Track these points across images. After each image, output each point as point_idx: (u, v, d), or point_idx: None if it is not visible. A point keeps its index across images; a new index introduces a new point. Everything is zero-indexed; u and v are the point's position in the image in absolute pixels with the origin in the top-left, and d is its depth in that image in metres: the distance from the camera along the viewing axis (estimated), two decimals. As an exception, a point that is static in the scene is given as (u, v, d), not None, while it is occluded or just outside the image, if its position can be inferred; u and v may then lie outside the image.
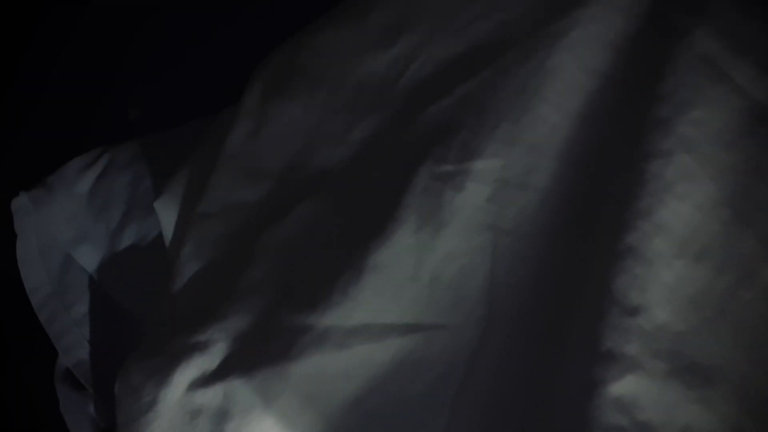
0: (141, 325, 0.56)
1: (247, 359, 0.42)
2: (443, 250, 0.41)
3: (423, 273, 0.41)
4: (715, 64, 0.39)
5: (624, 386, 0.35)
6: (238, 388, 0.41)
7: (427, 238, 0.41)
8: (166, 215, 0.53)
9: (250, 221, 0.48)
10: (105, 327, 0.57)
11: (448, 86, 0.45)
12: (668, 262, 0.37)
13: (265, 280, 0.45)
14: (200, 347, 0.43)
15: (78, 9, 0.75)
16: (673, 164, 0.38)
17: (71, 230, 0.58)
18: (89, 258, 0.57)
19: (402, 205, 0.42)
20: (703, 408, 0.35)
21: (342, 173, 0.46)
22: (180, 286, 0.48)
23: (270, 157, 0.49)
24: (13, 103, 0.74)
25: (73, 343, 0.56)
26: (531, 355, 0.39)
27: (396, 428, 0.40)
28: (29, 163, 0.66)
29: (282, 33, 0.53)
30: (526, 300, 0.40)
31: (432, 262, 0.41)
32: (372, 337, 0.41)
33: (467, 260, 0.41)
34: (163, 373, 0.42)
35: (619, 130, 0.40)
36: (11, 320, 0.66)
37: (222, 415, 0.41)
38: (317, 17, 0.52)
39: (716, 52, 0.39)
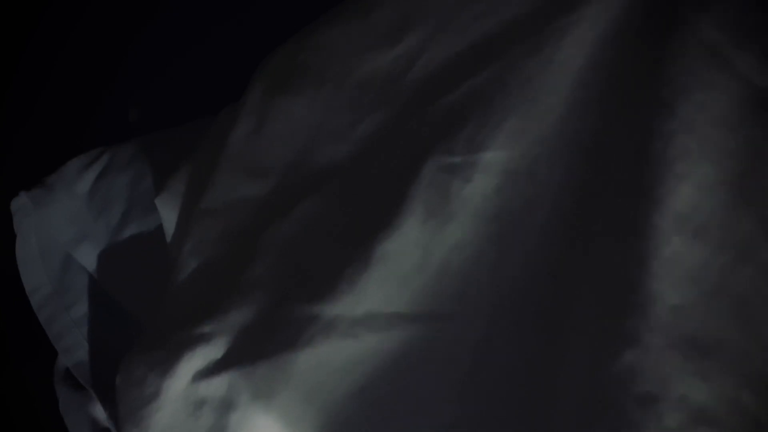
0: (141, 325, 0.55)
1: (252, 350, 0.42)
2: (450, 240, 0.41)
3: (430, 263, 0.41)
4: (717, 52, 0.40)
5: (622, 361, 0.35)
6: (242, 378, 0.41)
7: (434, 229, 0.41)
8: (167, 212, 0.53)
9: (253, 218, 0.48)
10: (105, 327, 0.56)
11: (455, 81, 0.45)
12: (666, 237, 0.37)
13: (268, 276, 0.44)
14: (205, 338, 0.43)
15: (78, 9, 0.75)
16: (674, 144, 0.38)
17: (71, 230, 0.57)
18: (89, 258, 0.57)
19: (409, 197, 0.42)
20: (699, 379, 0.35)
21: (346, 170, 0.46)
22: (182, 281, 0.48)
23: (272, 155, 0.49)
24: (13, 103, 0.74)
25: (73, 343, 0.55)
26: (537, 342, 0.39)
27: (402, 417, 0.40)
28: (29, 163, 0.66)
29: (282, 33, 0.53)
30: (532, 288, 0.40)
31: (439, 252, 0.41)
32: (379, 327, 0.41)
33: (474, 250, 0.41)
34: (167, 364, 0.42)
35: (624, 121, 0.41)
36: (11, 320, 0.66)
37: (226, 406, 0.41)
38: (317, 17, 0.53)
39: (719, 41, 0.40)
